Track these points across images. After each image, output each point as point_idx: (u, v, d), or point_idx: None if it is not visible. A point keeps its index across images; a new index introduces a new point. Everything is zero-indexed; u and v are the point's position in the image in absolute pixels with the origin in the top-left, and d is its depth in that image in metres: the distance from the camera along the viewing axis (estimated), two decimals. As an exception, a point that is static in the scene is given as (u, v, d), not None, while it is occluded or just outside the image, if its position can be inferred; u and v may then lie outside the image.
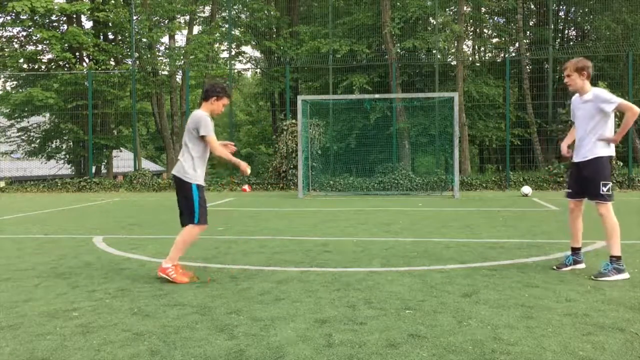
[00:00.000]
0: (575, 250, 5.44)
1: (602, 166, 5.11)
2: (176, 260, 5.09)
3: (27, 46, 24.07)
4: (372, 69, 21.00)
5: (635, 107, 5.02)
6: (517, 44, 22.80)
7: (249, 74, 36.04)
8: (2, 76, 23.61)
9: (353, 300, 4.34)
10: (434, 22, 21.08)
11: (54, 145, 23.68)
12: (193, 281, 5.03)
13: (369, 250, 6.61)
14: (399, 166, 18.18)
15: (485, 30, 25.08)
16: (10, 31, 24.07)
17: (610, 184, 5.12)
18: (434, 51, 20.32)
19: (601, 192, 5.11)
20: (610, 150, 5.14)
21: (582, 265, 5.40)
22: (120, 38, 25.29)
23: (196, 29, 25.67)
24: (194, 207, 5.04)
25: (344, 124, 20.24)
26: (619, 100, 5.02)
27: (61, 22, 24.32)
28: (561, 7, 24.79)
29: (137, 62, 22.47)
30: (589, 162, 5.19)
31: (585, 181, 5.22)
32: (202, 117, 5.05)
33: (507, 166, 18.14)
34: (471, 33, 24.28)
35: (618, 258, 5.01)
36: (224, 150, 5.20)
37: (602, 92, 5.12)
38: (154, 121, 26.83)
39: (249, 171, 5.21)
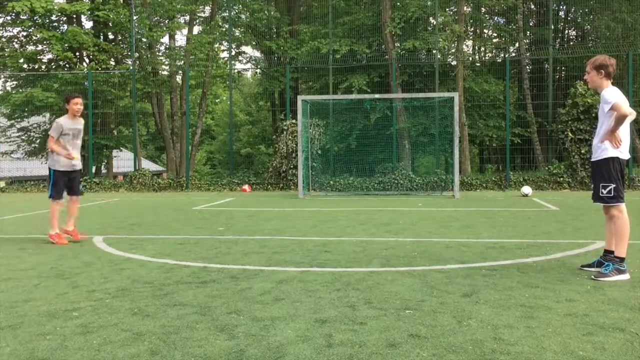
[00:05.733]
0: (605, 252, 5.27)
1: (605, 168, 5.06)
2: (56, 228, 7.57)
3: (27, 46, 24.05)
4: (372, 69, 20.98)
5: (624, 109, 4.81)
6: (517, 44, 22.78)
7: (249, 74, 36.03)
8: (2, 76, 23.60)
9: (353, 300, 4.34)
10: (434, 22, 21.07)
11: (54, 145, 23.64)
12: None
13: (369, 250, 6.61)
14: (399, 166, 18.16)
15: (485, 30, 25.05)
16: (10, 31, 24.08)
17: (613, 185, 5.04)
18: (434, 51, 20.30)
19: (600, 194, 5.11)
20: (615, 152, 5.02)
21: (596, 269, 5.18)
22: (120, 38, 25.27)
23: (196, 29, 25.65)
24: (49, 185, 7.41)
25: (344, 124, 20.23)
26: (614, 101, 4.85)
27: (61, 22, 24.31)
28: (561, 7, 24.77)
29: (137, 62, 22.46)
30: (593, 163, 5.21)
31: (593, 182, 5.26)
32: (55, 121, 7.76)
33: (507, 166, 18.12)
34: (471, 33, 24.23)
35: (621, 259, 4.99)
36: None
37: (607, 92, 4.97)
38: (154, 121, 26.79)
39: (73, 156, 7.95)
